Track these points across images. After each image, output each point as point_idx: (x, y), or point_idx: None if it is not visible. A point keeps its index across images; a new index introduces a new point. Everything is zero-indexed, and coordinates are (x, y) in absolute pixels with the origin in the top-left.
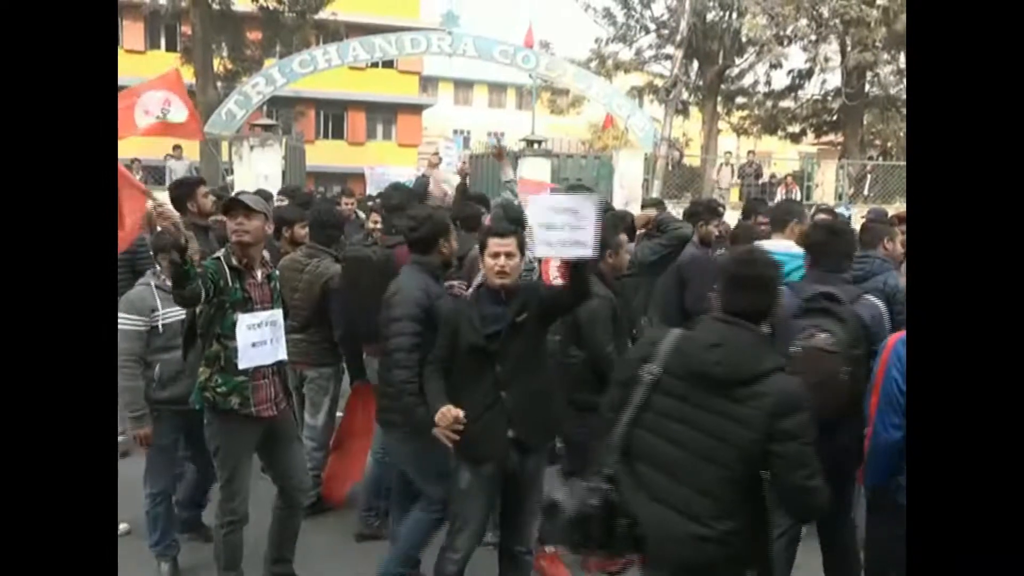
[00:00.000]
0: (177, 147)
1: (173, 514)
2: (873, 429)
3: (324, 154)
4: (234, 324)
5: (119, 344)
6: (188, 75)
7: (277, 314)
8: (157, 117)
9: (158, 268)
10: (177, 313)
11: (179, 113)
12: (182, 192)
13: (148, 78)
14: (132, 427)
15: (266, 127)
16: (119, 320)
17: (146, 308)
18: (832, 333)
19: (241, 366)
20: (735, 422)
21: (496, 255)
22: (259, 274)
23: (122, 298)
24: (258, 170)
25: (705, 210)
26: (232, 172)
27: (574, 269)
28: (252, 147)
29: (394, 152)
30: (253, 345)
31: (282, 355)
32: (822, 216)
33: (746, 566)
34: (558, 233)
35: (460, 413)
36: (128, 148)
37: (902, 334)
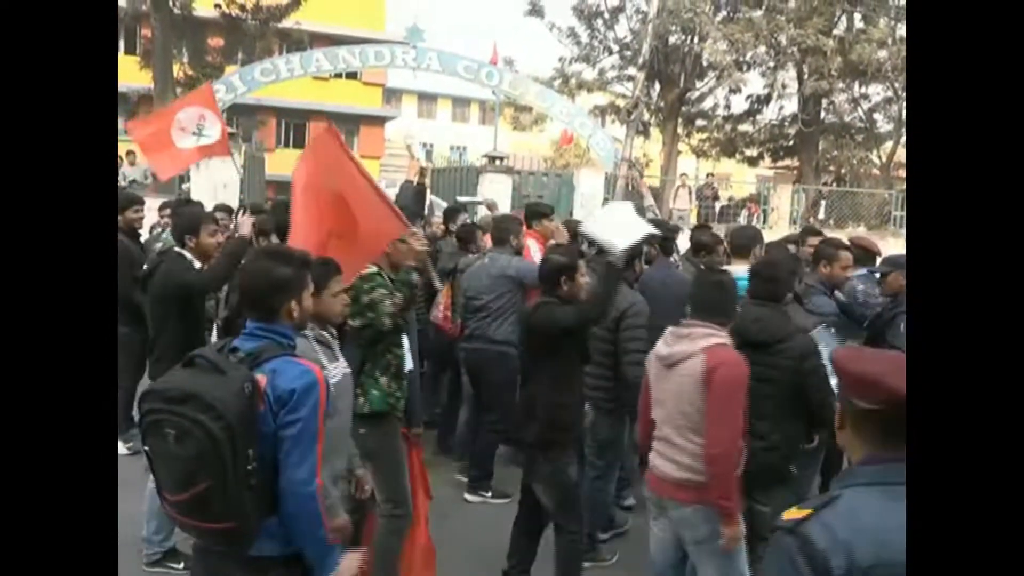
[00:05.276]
0: (131, 152)
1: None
2: (296, 476)
3: (285, 163)
4: (403, 331)
5: None
6: (146, 80)
7: None
8: (193, 133)
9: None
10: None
11: (212, 129)
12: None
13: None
14: None
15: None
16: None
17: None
18: None
19: (407, 368)
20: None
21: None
22: None
23: None
24: (216, 178)
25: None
26: (189, 179)
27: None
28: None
29: None
30: None
31: None
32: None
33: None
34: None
35: None
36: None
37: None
